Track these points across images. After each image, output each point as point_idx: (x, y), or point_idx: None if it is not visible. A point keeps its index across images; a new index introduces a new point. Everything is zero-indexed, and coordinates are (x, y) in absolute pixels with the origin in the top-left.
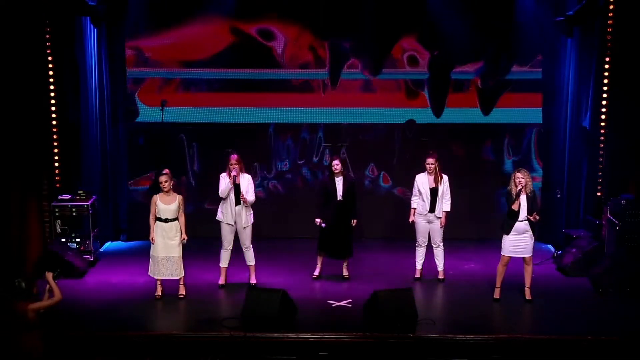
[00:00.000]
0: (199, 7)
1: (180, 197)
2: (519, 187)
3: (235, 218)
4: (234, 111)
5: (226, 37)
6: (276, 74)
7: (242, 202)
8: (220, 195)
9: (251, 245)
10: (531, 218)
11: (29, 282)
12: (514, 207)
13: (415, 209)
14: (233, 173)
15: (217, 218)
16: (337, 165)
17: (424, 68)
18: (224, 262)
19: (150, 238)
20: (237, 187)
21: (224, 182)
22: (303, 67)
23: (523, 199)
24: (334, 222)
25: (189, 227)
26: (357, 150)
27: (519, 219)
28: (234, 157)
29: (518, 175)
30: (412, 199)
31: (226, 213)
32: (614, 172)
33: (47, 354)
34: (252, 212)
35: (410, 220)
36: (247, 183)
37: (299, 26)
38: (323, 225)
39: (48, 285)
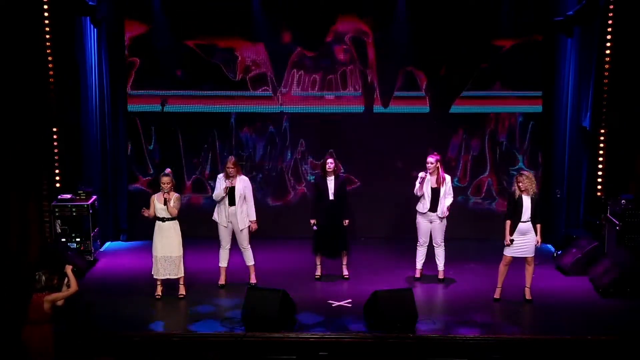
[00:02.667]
0: None
1: (177, 195)
2: (522, 189)
3: (229, 219)
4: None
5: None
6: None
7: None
8: (214, 198)
9: (249, 246)
10: (537, 240)
11: (49, 276)
12: (507, 237)
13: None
14: (226, 184)
15: (213, 218)
16: (330, 164)
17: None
18: (223, 262)
19: (146, 211)
20: (231, 190)
21: (219, 187)
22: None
23: (527, 200)
24: (326, 222)
25: (190, 227)
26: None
27: (523, 220)
28: (230, 160)
29: (521, 177)
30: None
31: (220, 214)
32: (614, 172)
33: (57, 348)
34: (248, 213)
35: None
36: (242, 186)
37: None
38: (315, 227)
39: (66, 279)
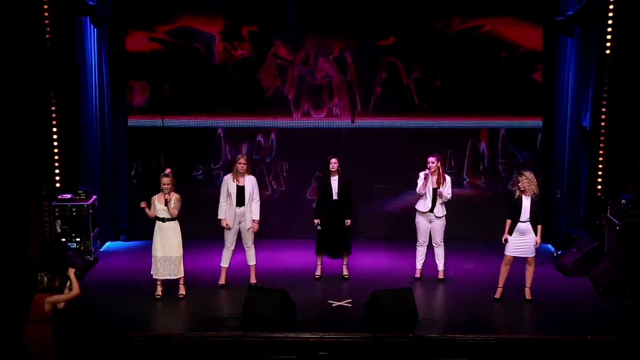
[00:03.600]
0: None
1: (177, 195)
2: (521, 189)
3: (238, 218)
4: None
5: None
6: None
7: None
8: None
9: (253, 245)
10: (537, 241)
11: (52, 277)
12: (504, 235)
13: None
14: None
15: (219, 217)
16: (334, 163)
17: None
18: (225, 262)
19: (145, 203)
20: (240, 189)
21: (225, 190)
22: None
23: (526, 200)
24: (330, 222)
25: (189, 227)
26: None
27: (521, 219)
28: (243, 156)
29: (521, 177)
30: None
31: (229, 215)
32: (614, 172)
33: (57, 349)
34: (252, 212)
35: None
36: (251, 185)
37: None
38: (319, 227)
39: (69, 282)
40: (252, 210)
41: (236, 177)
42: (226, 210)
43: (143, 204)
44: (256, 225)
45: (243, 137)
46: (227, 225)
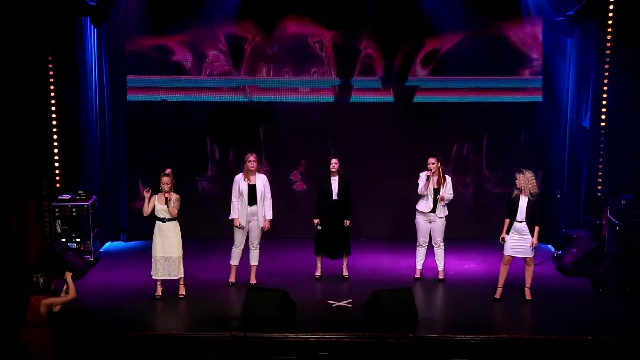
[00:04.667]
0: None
1: (177, 195)
2: (517, 188)
3: (249, 217)
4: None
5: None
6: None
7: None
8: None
9: (259, 246)
10: (533, 242)
11: (48, 279)
12: (502, 234)
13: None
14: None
15: (230, 217)
16: (335, 164)
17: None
18: (234, 260)
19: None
20: (252, 188)
21: (236, 190)
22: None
23: (523, 200)
24: (330, 222)
25: (189, 227)
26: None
27: (518, 219)
28: (252, 156)
29: (519, 176)
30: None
31: (240, 214)
32: (614, 172)
33: (57, 349)
34: (265, 211)
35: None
36: (262, 183)
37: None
38: (319, 227)
39: (65, 285)
40: (265, 208)
41: (247, 176)
42: (238, 210)
43: (146, 193)
44: (268, 224)
45: (233, 136)
46: (239, 224)
